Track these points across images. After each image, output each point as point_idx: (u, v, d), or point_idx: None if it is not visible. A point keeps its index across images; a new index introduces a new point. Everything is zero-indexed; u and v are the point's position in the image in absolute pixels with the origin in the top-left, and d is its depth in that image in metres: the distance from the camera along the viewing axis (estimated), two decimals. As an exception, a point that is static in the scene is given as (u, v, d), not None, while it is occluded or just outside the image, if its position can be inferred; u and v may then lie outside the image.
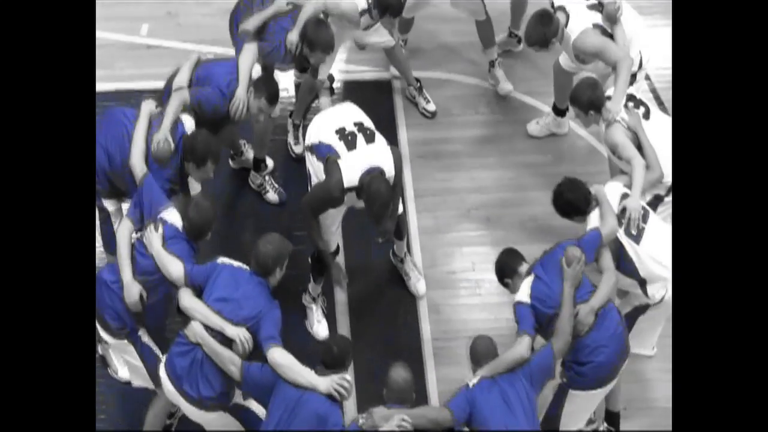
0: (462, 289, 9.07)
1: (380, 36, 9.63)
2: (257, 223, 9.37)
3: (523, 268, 7.59)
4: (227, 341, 7.22)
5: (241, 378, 7.18)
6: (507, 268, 7.66)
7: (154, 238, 7.53)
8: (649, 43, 9.08)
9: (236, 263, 7.50)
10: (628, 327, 7.83)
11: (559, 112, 9.89)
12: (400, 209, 8.54)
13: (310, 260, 8.56)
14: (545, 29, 8.77)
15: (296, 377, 7.07)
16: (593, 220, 7.76)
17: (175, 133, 8.08)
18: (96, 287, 7.53)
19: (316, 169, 8.19)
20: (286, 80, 9.83)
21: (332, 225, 8.35)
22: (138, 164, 7.91)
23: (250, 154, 9.54)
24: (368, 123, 8.25)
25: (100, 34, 10.32)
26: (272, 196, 9.51)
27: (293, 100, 9.95)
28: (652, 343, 8.35)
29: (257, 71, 8.57)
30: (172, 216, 7.66)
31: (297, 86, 10.04)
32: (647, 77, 9.80)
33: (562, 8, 8.87)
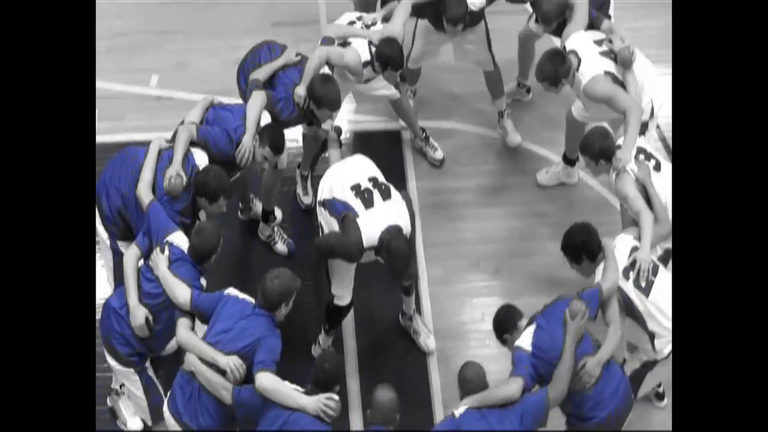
0: (471, 340, 9.05)
1: (386, 89, 9.65)
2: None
3: (523, 322, 7.52)
4: (223, 371, 7.25)
5: (232, 402, 7.20)
6: (507, 323, 7.58)
7: (160, 260, 7.60)
8: (661, 91, 9.06)
9: (242, 295, 7.52)
10: (637, 383, 7.80)
11: (569, 161, 9.87)
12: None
13: (325, 312, 8.55)
14: (557, 67, 8.71)
15: (284, 399, 7.09)
16: (599, 274, 7.73)
17: (185, 167, 8.13)
18: (104, 314, 7.69)
19: (329, 223, 8.19)
20: (295, 131, 9.86)
21: (345, 278, 8.35)
22: (144, 193, 7.97)
23: (258, 207, 9.55)
24: (381, 177, 8.26)
25: (109, 86, 10.43)
26: (281, 247, 9.50)
27: (302, 150, 9.97)
28: (651, 386, 8.26)
29: (266, 119, 8.60)
30: (179, 239, 7.72)
31: (305, 137, 10.07)
32: (657, 126, 9.80)
33: (574, 52, 8.84)
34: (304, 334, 8.64)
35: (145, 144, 8.36)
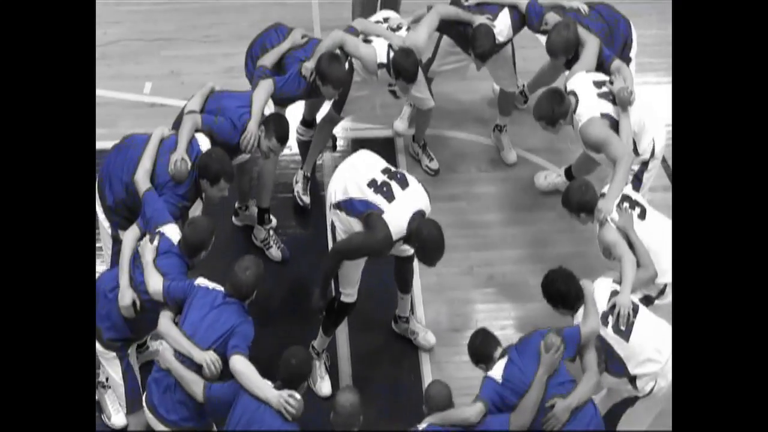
0: (464, 346, 8.96)
1: (421, 94, 9.66)
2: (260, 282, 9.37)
3: (498, 352, 7.47)
4: (197, 365, 7.27)
5: (204, 398, 7.21)
6: (482, 355, 7.54)
7: (147, 249, 7.62)
8: (663, 131, 8.95)
9: (212, 285, 7.52)
10: (615, 417, 7.79)
11: (571, 178, 9.83)
12: (410, 250, 8.52)
13: (323, 312, 8.51)
14: (555, 107, 8.64)
15: (253, 388, 7.11)
16: (578, 316, 7.66)
17: (190, 152, 8.16)
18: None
19: (345, 224, 8.12)
20: (290, 139, 9.88)
21: (354, 277, 8.34)
22: (142, 180, 7.99)
23: (253, 210, 9.54)
24: (392, 166, 8.27)
25: (103, 93, 10.43)
26: (275, 252, 9.49)
27: (296, 157, 9.97)
28: (642, 428, 8.10)
29: (270, 108, 8.65)
30: (170, 231, 7.73)
31: (300, 144, 10.08)
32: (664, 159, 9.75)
33: (573, 93, 8.74)
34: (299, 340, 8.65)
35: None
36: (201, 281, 7.53)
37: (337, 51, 9.01)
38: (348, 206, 8.04)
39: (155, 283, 7.50)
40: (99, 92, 9.98)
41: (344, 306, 8.46)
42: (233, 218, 9.64)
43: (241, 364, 7.17)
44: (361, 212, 7.95)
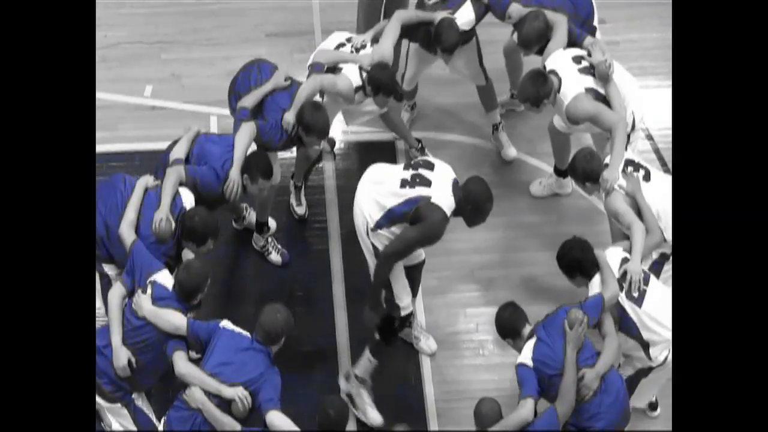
0: (465, 350, 9.04)
1: (372, 104, 9.45)
2: (260, 285, 9.36)
3: (526, 330, 7.54)
4: (225, 403, 7.18)
5: None
6: (509, 330, 7.61)
7: (143, 301, 7.52)
8: (642, 102, 9.03)
9: (237, 329, 7.46)
10: (630, 389, 7.80)
11: (561, 173, 9.86)
12: (422, 255, 8.57)
13: (377, 334, 8.41)
14: (538, 88, 8.70)
15: None
16: (594, 285, 7.73)
17: (173, 209, 8.07)
18: None
19: (387, 239, 8.07)
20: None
21: (405, 285, 8.31)
22: (126, 233, 7.87)
23: (252, 216, 9.54)
24: (408, 161, 8.27)
25: (103, 96, 10.42)
26: (275, 257, 9.49)
27: (295, 161, 9.98)
28: (649, 399, 8.32)
29: (252, 148, 8.54)
30: (163, 278, 7.64)
31: (298, 151, 10.07)
32: (650, 137, 9.79)
33: (553, 72, 8.79)
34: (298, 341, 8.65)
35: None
36: (226, 324, 7.47)
37: (317, 98, 8.94)
38: (389, 219, 8.00)
39: (177, 318, 7.43)
40: (99, 95, 9.97)
41: (405, 319, 8.40)
42: (233, 223, 9.64)
43: (280, 420, 7.11)
44: (407, 213, 7.93)
